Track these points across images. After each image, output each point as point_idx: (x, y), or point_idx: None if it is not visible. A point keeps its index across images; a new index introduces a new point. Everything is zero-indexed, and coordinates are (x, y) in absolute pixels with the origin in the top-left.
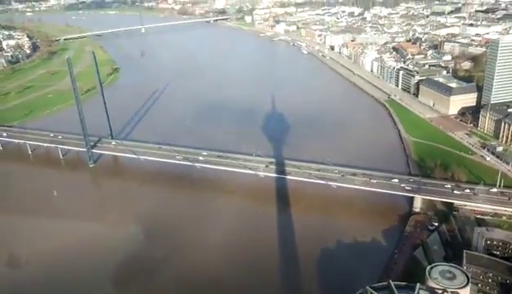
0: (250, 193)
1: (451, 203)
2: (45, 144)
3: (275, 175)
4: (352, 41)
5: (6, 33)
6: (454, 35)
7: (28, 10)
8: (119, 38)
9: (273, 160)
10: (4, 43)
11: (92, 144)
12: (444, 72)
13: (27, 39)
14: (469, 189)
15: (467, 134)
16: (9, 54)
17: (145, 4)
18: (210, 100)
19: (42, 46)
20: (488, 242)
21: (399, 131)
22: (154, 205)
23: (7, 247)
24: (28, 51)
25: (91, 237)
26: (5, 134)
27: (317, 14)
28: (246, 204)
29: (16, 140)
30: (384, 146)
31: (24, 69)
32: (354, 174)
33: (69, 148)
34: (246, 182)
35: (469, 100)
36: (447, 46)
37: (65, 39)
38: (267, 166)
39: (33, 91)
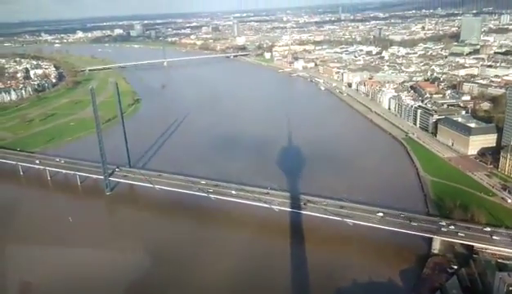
0: (264, 226)
1: (472, 246)
2: (64, 171)
3: (289, 209)
4: (370, 79)
5: (35, 62)
6: (473, 76)
7: (56, 41)
8: (141, 71)
9: (288, 194)
10: (32, 72)
11: (109, 172)
12: (463, 112)
13: (54, 69)
14: (490, 231)
15: (487, 175)
16: (36, 82)
17: (169, 39)
18: (227, 131)
19: (68, 76)
20: (510, 288)
21: (417, 169)
22: (166, 234)
23: (19, 273)
24: (54, 81)
25: (102, 264)
26: (26, 160)
27: (335, 52)
28: (259, 238)
29: (37, 166)
30: (401, 184)
31: (49, 98)
32: (371, 211)
33: (88, 175)
34: (260, 215)
35: (489, 140)
36: (466, 87)
37: (89, 70)
38: (281, 200)
39: (56, 119)
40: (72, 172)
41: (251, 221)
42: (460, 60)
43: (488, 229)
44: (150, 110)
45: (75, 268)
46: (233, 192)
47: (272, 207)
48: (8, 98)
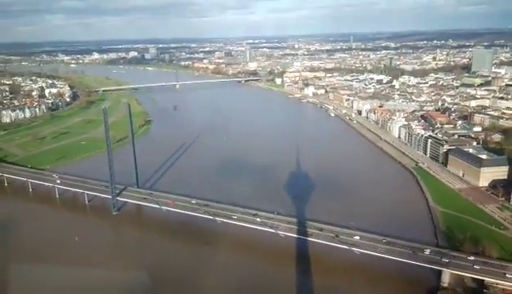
0: (269, 252)
1: (482, 280)
2: (72, 189)
3: (296, 235)
4: (380, 107)
5: (50, 81)
6: (484, 107)
7: (72, 62)
8: (154, 93)
9: (295, 220)
10: (47, 91)
11: (117, 191)
12: (474, 143)
13: (68, 88)
14: (501, 266)
15: (498, 208)
16: (50, 101)
17: (182, 63)
18: (236, 155)
19: (82, 95)
20: None
21: (427, 199)
22: (170, 256)
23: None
24: (68, 100)
25: (104, 285)
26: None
27: (346, 79)
28: (264, 264)
29: (46, 183)
30: (410, 214)
31: (63, 116)
32: (379, 241)
33: (95, 194)
34: (266, 240)
35: (501, 172)
36: (477, 118)
37: (103, 91)
38: (288, 225)
39: (67, 137)
40: (80, 191)
41: (256, 246)
42: (472, 91)
43: (500, 263)
44: (160, 131)
45: (75, 285)
46: (239, 215)
47: (278, 232)
48: (22, 115)
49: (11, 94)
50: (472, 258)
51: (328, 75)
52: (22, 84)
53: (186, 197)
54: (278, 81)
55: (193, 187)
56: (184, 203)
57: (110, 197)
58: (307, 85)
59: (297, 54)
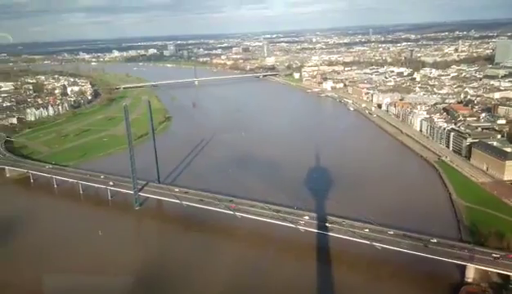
0: (289, 246)
1: (508, 276)
2: (95, 185)
3: (316, 230)
4: (401, 100)
5: (72, 79)
6: (508, 99)
7: (93, 60)
8: (173, 89)
9: (315, 215)
10: (69, 89)
11: (139, 187)
12: (498, 136)
13: (90, 86)
14: None
15: None
16: (72, 99)
17: (200, 59)
18: (255, 151)
19: (103, 93)
20: None
21: (450, 194)
22: (192, 250)
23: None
24: (89, 97)
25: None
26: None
27: (365, 73)
28: (285, 259)
29: (70, 180)
30: (433, 209)
31: (85, 114)
32: (401, 236)
33: (118, 189)
34: (286, 235)
35: None
36: (501, 110)
37: (124, 88)
38: (308, 220)
39: (90, 135)
40: (103, 186)
41: (276, 241)
42: (495, 83)
43: None
44: (180, 128)
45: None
46: (259, 210)
47: (298, 227)
48: (46, 113)
49: (34, 92)
50: (497, 253)
51: (347, 69)
52: (45, 83)
53: (205, 192)
54: (296, 75)
55: (212, 182)
56: (204, 198)
57: (132, 192)
58: (325, 79)
59: (315, 48)
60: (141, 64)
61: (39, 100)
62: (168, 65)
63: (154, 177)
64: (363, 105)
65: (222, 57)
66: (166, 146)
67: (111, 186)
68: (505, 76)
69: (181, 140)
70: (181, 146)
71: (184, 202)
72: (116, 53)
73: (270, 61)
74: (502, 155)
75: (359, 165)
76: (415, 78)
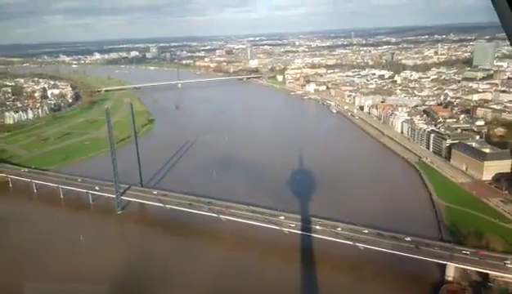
0: (274, 249)
1: (487, 274)
2: (77, 189)
3: (300, 232)
4: (382, 102)
5: (52, 82)
6: (486, 101)
7: (74, 62)
8: (156, 92)
9: (298, 216)
10: (49, 92)
11: (121, 191)
12: (477, 137)
13: (70, 89)
14: (506, 259)
15: (502, 201)
16: (52, 102)
17: (183, 61)
18: (238, 153)
19: (84, 96)
20: None
21: (430, 194)
22: (174, 254)
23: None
24: (70, 100)
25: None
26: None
27: (347, 75)
28: (269, 261)
29: (50, 184)
30: (414, 209)
31: (65, 117)
32: (383, 236)
33: (100, 193)
34: (270, 237)
35: (504, 166)
36: (480, 112)
37: (105, 91)
38: (291, 222)
39: (71, 138)
40: (85, 191)
41: (261, 243)
42: (474, 85)
43: (504, 256)
44: (163, 130)
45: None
46: (243, 212)
47: (282, 229)
48: (25, 117)
49: (13, 95)
50: (476, 251)
51: (329, 71)
52: (24, 85)
53: (189, 195)
54: (280, 78)
55: (196, 185)
56: (188, 201)
57: (114, 196)
58: (308, 81)
59: (298, 51)
60: (122, 66)
61: (18, 103)
62: (151, 68)
63: (136, 180)
64: (346, 107)
65: (206, 60)
66: (149, 149)
67: (93, 190)
68: (483, 78)
69: (165, 142)
70: (165, 149)
71: (167, 206)
72: (97, 55)
73: (253, 64)
74: (481, 156)
75: (342, 167)
76: (396, 81)
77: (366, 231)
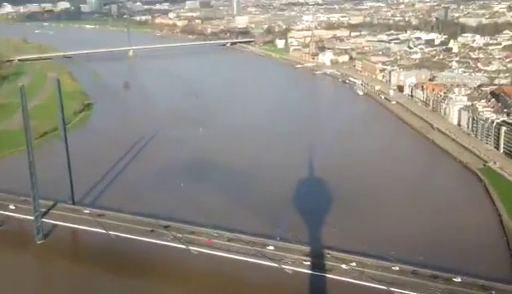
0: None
1: None
2: None
3: (309, 271)
4: (431, 80)
5: None
6: None
7: None
8: (96, 63)
9: (307, 248)
10: None
11: (43, 210)
12: None
13: None
14: None
15: None
16: None
17: (137, 18)
18: (218, 155)
19: None
20: None
21: (500, 215)
22: None
23: None
24: None
25: None
26: None
27: (379, 40)
28: None
29: None
30: (475, 237)
31: None
32: (431, 277)
33: (9, 214)
34: (266, 279)
35: None
36: None
37: (20, 60)
38: (297, 256)
39: None
40: None
41: (252, 287)
42: None
43: None
44: (105, 120)
45: None
46: (225, 243)
47: (283, 266)
48: None
49: None
50: None
51: (354, 34)
52: None
53: (143, 217)
54: (280, 43)
55: (155, 202)
56: (142, 226)
57: (31, 218)
58: (322, 49)
59: (307, 3)
60: (46, 24)
61: None
62: (88, 27)
63: (66, 195)
64: (377, 88)
65: (171, 15)
66: (85, 148)
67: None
68: None
69: (108, 138)
70: (108, 147)
71: (111, 232)
72: (9, 8)
73: (241, 22)
74: None
75: (371, 176)
76: (451, 49)
77: (405, 270)
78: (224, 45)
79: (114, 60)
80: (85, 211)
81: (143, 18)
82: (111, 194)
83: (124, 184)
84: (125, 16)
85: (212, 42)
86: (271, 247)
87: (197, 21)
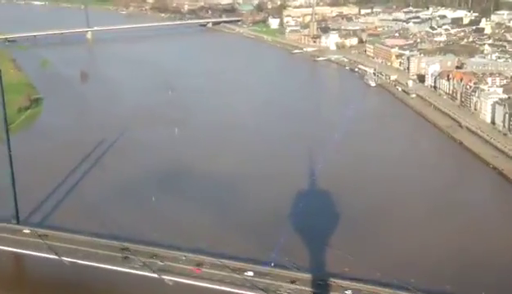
0: None
1: None
2: None
3: None
4: (459, 68)
5: None
6: None
7: None
8: (46, 48)
9: (307, 275)
10: None
11: None
12: None
13: None
14: None
15: None
16: None
17: None
18: (198, 162)
19: None
20: None
21: None
22: None
23: None
24: None
25: None
26: None
27: (396, 19)
28: None
29: None
30: None
31: None
32: None
33: None
34: None
35: None
36: None
37: None
38: (295, 286)
39: None
40: None
41: None
42: None
43: None
44: (58, 119)
45: None
46: (206, 271)
47: None
48: None
49: None
50: None
51: (364, 12)
52: None
53: (104, 239)
54: (274, 23)
55: (120, 220)
56: (102, 250)
57: None
58: (326, 30)
59: None
60: None
61: None
62: (37, 3)
63: (8, 212)
64: (393, 77)
65: None
66: (33, 154)
67: None
68: None
69: (62, 141)
70: (62, 153)
71: (65, 259)
72: None
73: None
74: None
75: (385, 187)
76: (482, 29)
77: None
78: (205, 25)
79: (69, 45)
80: (32, 233)
81: None
82: (65, 211)
83: (82, 199)
84: None
85: (190, 21)
86: (265, 275)
87: None
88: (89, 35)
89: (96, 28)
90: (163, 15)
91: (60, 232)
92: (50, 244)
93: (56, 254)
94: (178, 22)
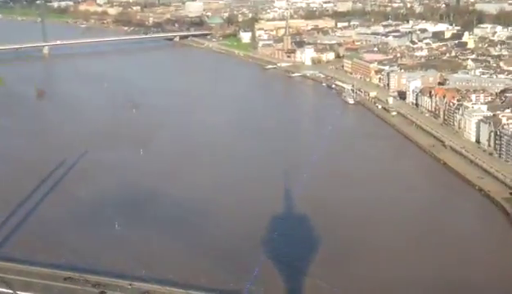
0: None
1: None
2: None
3: None
4: (441, 84)
5: None
6: None
7: None
8: None
9: None
10: None
11: None
12: None
13: None
14: None
15: None
16: None
17: (55, 4)
18: (165, 187)
19: None
20: None
21: None
22: None
23: None
24: None
25: None
26: None
27: (374, 33)
28: None
29: None
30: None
31: None
32: None
33: None
34: None
35: None
36: None
37: None
38: None
39: None
40: None
41: None
42: None
43: None
44: (11, 141)
45: None
46: None
47: None
48: None
49: None
50: None
51: (341, 25)
52: None
53: (65, 270)
54: (245, 37)
55: (80, 250)
56: (63, 283)
57: None
58: (301, 44)
59: None
60: None
61: None
62: None
63: None
64: (372, 94)
65: (100, 1)
66: None
67: None
68: None
69: (16, 164)
70: (16, 177)
71: (20, 293)
72: None
73: (194, 9)
74: None
75: (366, 210)
76: (465, 43)
77: None
78: (171, 39)
79: (24, 61)
80: None
81: (63, 4)
82: (19, 241)
83: (38, 227)
84: (38, 2)
85: (155, 35)
86: None
87: (135, 8)
88: (46, 50)
89: (53, 42)
90: (126, 28)
91: (14, 263)
92: (3, 277)
93: (10, 287)
94: (143, 36)
